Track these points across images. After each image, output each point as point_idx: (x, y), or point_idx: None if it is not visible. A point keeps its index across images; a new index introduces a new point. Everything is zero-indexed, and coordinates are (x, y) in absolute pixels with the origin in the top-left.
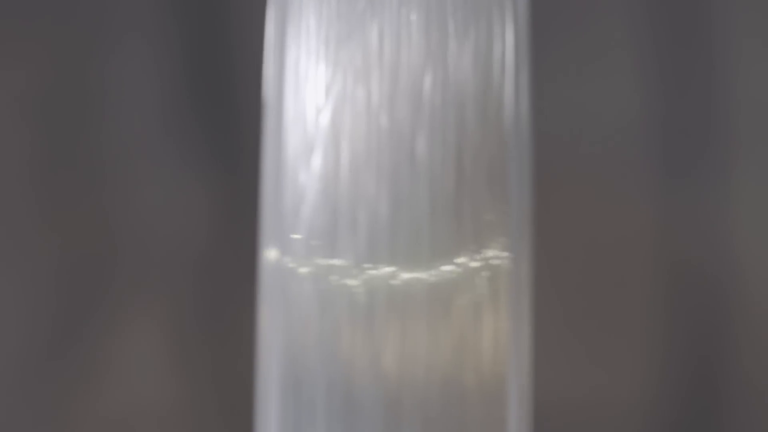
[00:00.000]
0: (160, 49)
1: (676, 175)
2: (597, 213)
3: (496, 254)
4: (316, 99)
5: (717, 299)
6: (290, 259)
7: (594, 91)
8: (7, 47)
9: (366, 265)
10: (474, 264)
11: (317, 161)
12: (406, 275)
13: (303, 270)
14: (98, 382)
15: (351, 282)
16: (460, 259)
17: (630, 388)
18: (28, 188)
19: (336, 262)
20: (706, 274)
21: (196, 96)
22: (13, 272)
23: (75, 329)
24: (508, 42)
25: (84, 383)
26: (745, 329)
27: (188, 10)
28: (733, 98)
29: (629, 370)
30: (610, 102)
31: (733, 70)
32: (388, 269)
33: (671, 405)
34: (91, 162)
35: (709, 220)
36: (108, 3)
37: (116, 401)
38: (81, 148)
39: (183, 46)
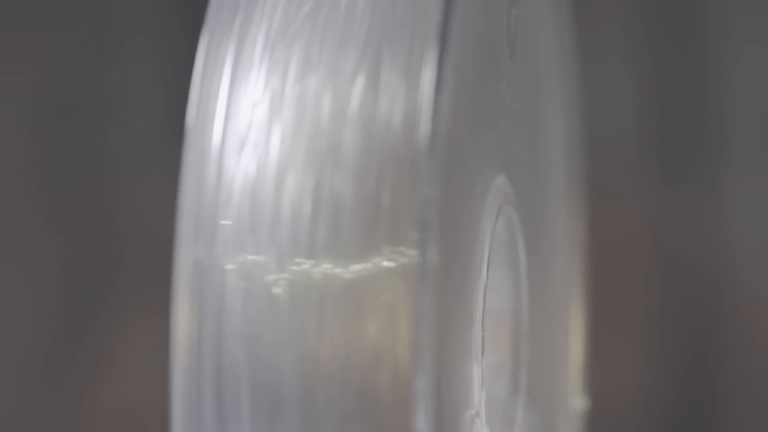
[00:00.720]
0: (164, 52)
1: (672, 175)
2: (592, 213)
3: (413, 253)
4: (253, 95)
5: (712, 298)
6: (211, 254)
7: (590, 92)
8: (11, 51)
9: (288, 261)
10: (389, 264)
11: (246, 155)
12: (325, 272)
13: (224, 265)
14: (104, 379)
15: (272, 277)
16: (377, 258)
17: (625, 387)
18: (32, 190)
19: (258, 257)
20: (701, 273)
21: None
22: (18, 273)
23: (80, 327)
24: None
25: (90, 380)
26: (740, 327)
27: (191, 13)
28: (729, 99)
29: (624, 368)
30: (606, 103)
31: (728, 71)
32: (308, 265)
33: (666, 403)
34: (96, 163)
35: (704, 220)
36: (112, 6)
37: (122, 398)
38: (85, 150)
39: (186, 48)
